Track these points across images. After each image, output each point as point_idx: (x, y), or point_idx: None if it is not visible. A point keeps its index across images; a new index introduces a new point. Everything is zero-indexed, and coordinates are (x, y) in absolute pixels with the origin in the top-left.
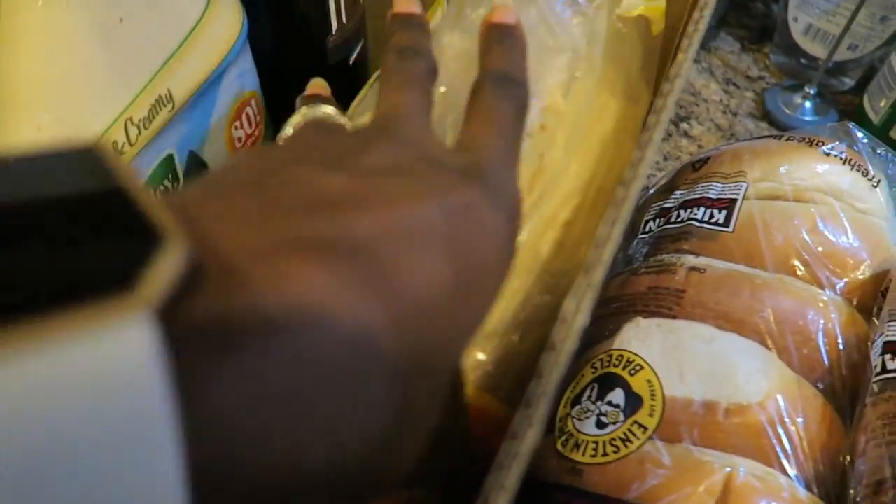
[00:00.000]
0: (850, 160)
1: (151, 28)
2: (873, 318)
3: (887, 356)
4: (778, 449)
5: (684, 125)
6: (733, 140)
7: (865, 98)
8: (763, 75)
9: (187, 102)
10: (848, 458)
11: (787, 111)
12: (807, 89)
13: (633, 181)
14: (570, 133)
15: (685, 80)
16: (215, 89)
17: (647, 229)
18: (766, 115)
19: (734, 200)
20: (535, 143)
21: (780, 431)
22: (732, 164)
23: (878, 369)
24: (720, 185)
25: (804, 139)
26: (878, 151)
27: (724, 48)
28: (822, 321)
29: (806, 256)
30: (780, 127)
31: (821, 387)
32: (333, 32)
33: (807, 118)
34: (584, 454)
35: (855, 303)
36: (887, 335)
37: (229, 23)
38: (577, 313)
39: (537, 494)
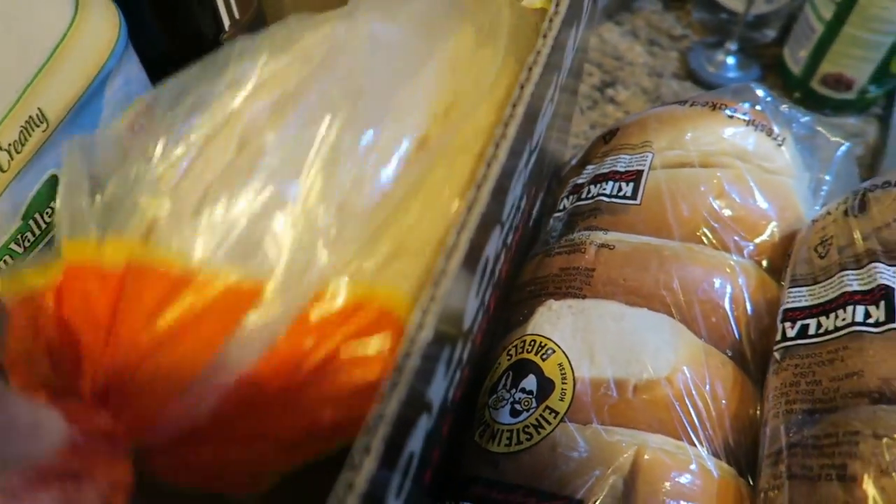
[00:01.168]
0: (754, 121)
1: (11, 45)
2: (782, 282)
3: (787, 324)
4: (685, 422)
5: (610, 91)
6: (658, 103)
7: (786, 50)
8: (686, 33)
9: (64, 119)
10: (760, 420)
11: (710, 69)
12: (728, 45)
13: (484, 182)
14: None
15: (533, 85)
16: (98, 101)
17: (561, 207)
18: (690, 75)
19: (640, 172)
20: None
21: (688, 404)
22: (640, 134)
23: (779, 337)
24: (628, 156)
25: (707, 103)
26: (782, 109)
27: (646, 8)
28: (729, 287)
29: (713, 223)
30: (704, 86)
31: (731, 354)
32: (226, 28)
33: (730, 75)
34: (499, 444)
35: (765, 265)
36: (788, 302)
37: (103, 30)
38: (420, 329)
39: (455, 489)
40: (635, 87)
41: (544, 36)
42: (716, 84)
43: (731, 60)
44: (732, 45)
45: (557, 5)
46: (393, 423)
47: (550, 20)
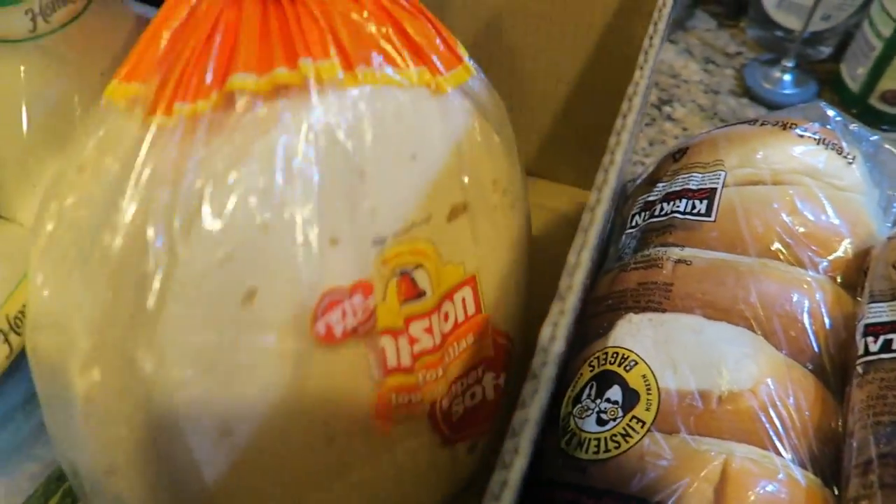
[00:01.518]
0: (824, 139)
1: None
2: (858, 297)
3: (869, 339)
4: (771, 432)
5: (667, 108)
6: (716, 119)
7: (843, 67)
8: (741, 50)
9: None
10: (842, 433)
11: (766, 86)
12: (784, 62)
13: (598, 205)
14: None
15: (643, 97)
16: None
17: (633, 223)
18: (746, 92)
19: (714, 189)
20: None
21: (773, 414)
22: (710, 152)
23: (861, 351)
24: (700, 175)
25: (777, 123)
26: (851, 128)
27: (700, 27)
28: (807, 302)
29: (787, 239)
30: (761, 102)
31: (811, 367)
32: None
33: (787, 91)
34: (586, 451)
35: (839, 280)
36: (868, 317)
37: None
38: (554, 340)
39: (543, 493)
40: (692, 104)
41: (640, 68)
42: (773, 100)
43: (787, 77)
44: (789, 62)
45: (652, 38)
46: (537, 426)
47: (646, 52)
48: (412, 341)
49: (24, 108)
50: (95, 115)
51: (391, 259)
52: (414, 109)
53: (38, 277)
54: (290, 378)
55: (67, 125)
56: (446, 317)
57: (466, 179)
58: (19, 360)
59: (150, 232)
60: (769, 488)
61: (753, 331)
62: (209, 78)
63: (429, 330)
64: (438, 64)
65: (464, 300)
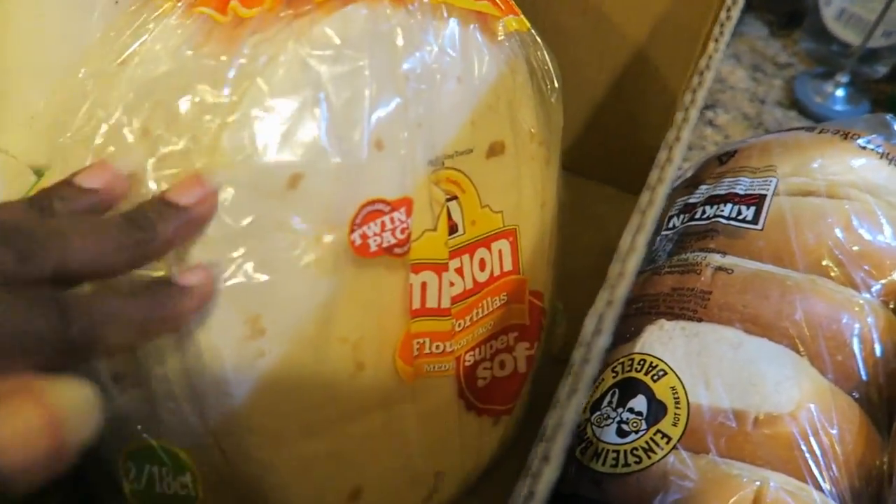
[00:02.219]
0: (888, 154)
1: None
2: None
3: None
4: (811, 462)
5: (709, 113)
6: (761, 130)
7: None
8: (792, 62)
9: None
10: (886, 471)
11: (817, 100)
12: (838, 77)
13: (659, 185)
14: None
15: (714, 72)
16: None
17: (670, 225)
18: (795, 104)
19: (763, 196)
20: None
21: (814, 443)
22: (762, 157)
23: None
24: (748, 179)
25: (838, 132)
26: None
27: (751, 33)
28: (857, 326)
29: (840, 256)
30: (809, 116)
31: (856, 396)
32: None
33: (838, 107)
34: (604, 464)
35: (893, 306)
36: None
37: None
38: (598, 334)
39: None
40: (736, 111)
41: (715, 40)
42: (823, 115)
43: (840, 93)
44: (844, 77)
45: (730, 9)
46: (571, 432)
47: (722, 24)
48: (451, 282)
49: (27, 39)
50: (133, 13)
51: (441, 182)
52: (466, 35)
53: None
54: (324, 284)
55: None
56: (482, 265)
57: (507, 120)
58: None
59: (207, 118)
60: None
61: (797, 351)
62: None
63: (459, 271)
64: (500, 4)
65: (500, 252)
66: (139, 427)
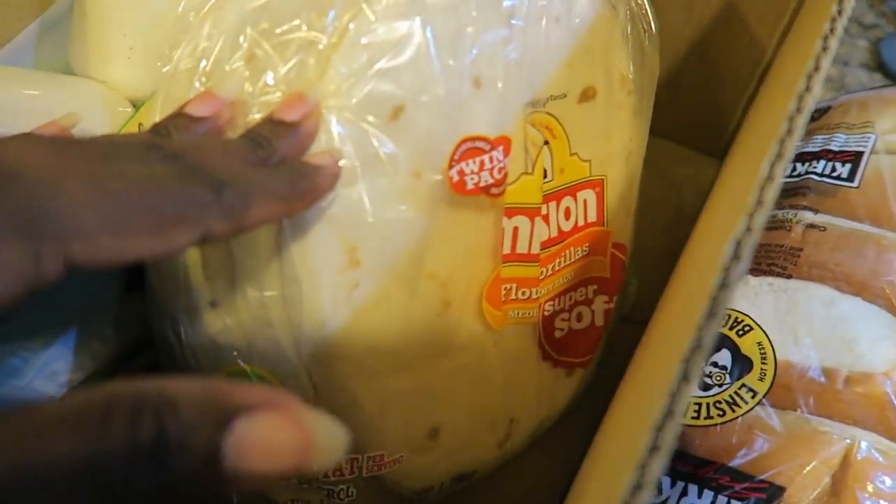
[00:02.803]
0: None
1: None
2: None
3: None
4: None
5: None
6: (843, 93)
7: None
8: (878, 23)
9: None
10: None
11: None
12: None
13: (798, 115)
14: None
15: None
16: None
17: None
18: (880, 66)
19: (860, 154)
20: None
21: None
22: (860, 114)
23: None
24: (844, 136)
25: None
26: None
27: None
28: None
29: None
30: (895, 79)
31: None
32: None
33: None
34: (684, 415)
35: None
36: None
37: None
38: (737, 260)
39: None
40: None
41: (824, 49)
42: None
43: None
44: None
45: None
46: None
47: (832, 30)
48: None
49: None
50: None
51: (536, 125)
52: None
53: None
54: (418, 220)
55: None
56: (567, 213)
57: (601, 65)
58: None
59: (313, 45)
60: None
61: (893, 312)
62: None
63: (545, 218)
64: None
65: (586, 202)
66: (234, 353)
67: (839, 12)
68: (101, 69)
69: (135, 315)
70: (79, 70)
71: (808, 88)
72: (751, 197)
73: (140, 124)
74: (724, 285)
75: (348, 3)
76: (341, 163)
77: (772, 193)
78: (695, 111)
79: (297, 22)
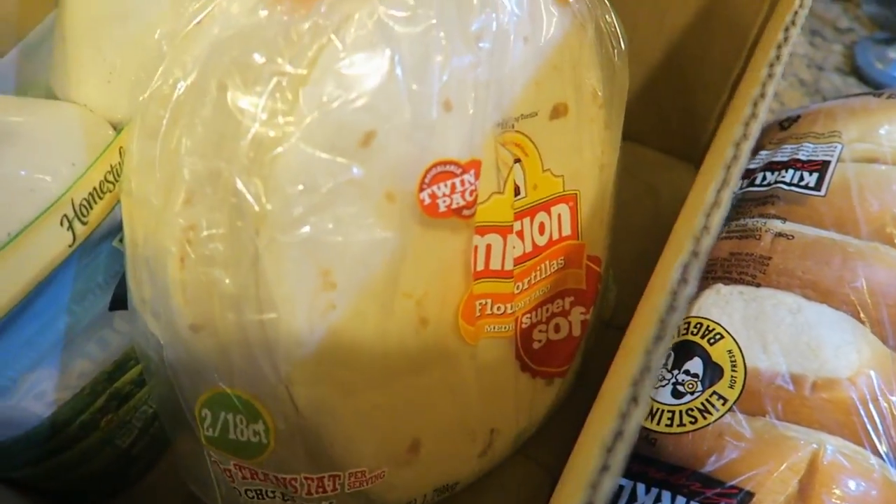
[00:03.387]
0: None
1: None
2: None
3: None
4: (869, 427)
5: None
6: (818, 97)
7: None
8: (853, 27)
9: None
10: None
11: (878, 66)
12: None
13: (744, 141)
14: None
15: (800, 28)
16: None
17: None
18: (854, 70)
19: (827, 163)
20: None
21: (872, 409)
22: (826, 123)
23: None
24: (812, 145)
25: None
26: None
27: None
28: None
29: None
30: (870, 83)
31: None
32: None
33: None
34: (658, 423)
35: None
36: None
37: None
38: (684, 283)
39: None
40: (792, 77)
41: (787, 29)
42: (884, 83)
43: None
44: None
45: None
46: (656, 377)
47: (796, 11)
48: (512, 245)
49: None
50: None
51: (507, 144)
52: None
53: (142, 130)
54: (391, 241)
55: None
56: (541, 228)
57: (571, 80)
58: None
59: (284, 75)
60: (861, 487)
61: (858, 318)
62: None
63: (520, 234)
64: None
65: (560, 217)
66: (215, 375)
67: (785, 39)
68: (81, 92)
69: (119, 332)
70: (60, 93)
71: (753, 115)
72: (697, 221)
73: (120, 148)
74: (671, 308)
75: (317, 34)
76: (325, 189)
77: (717, 218)
78: (671, 118)
79: (267, 53)
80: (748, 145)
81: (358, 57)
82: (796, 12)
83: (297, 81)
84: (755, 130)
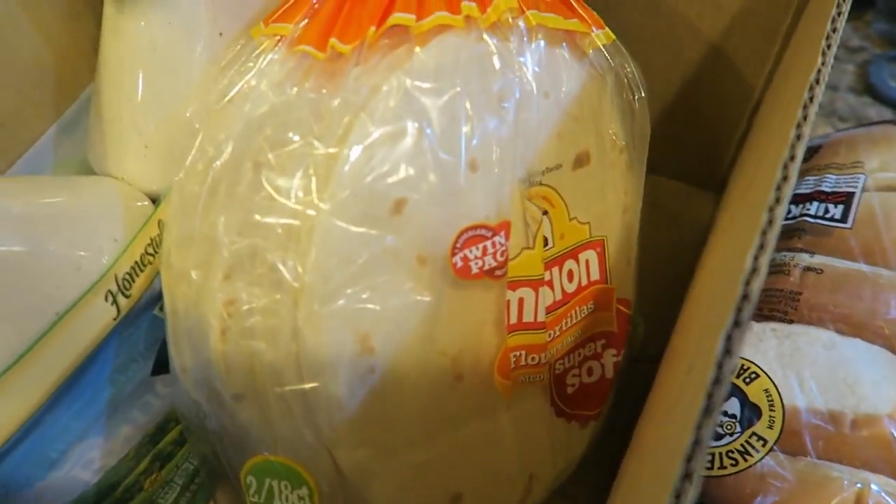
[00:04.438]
0: None
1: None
2: None
3: None
4: None
5: None
6: (833, 118)
7: None
8: (864, 45)
9: None
10: None
11: (893, 84)
12: None
13: (777, 206)
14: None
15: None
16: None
17: None
18: (868, 89)
19: (851, 194)
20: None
21: None
22: (848, 153)
23: None
24: (835, 177)
25: None
26: None
27: None
28: None
29: None
30: (884, 102)
31: None
32: None
33: None
34: None
35: None
36: None
37: None
38: (728, 355)
39: None
40: None
41: (811, 88)
42: None
43: None
44: None
45: (829, 48)
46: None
47: (819, 70)
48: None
49: (141, 71)
50: (235, 54)
51: (534, 198)
52: (554, 53)
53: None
54: (425, 303)
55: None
56: (570, 276)
57: (592, 129)
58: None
59: (319, 145)
60: None
61: (892, 351)
62: (366, 18)
63: (549, 284)
64: (587, 17)
65: (587, 263)
66: (258, 442)
67: (811, 99)
68: (118, 166)
69: (161, 396)
70: (97, 168)
71: (785, 178)
72: (738, 290)
73: (159, 221)
74: (718, 381)
75: (346, 110)
76: (360, 260)
77: (757, 286)
78: (689, 149)
79: (300, 132)
80: (782, 210)
81: (386, 130)
82: (820, 70)
83: (330, 159)
84: (787, 193)
